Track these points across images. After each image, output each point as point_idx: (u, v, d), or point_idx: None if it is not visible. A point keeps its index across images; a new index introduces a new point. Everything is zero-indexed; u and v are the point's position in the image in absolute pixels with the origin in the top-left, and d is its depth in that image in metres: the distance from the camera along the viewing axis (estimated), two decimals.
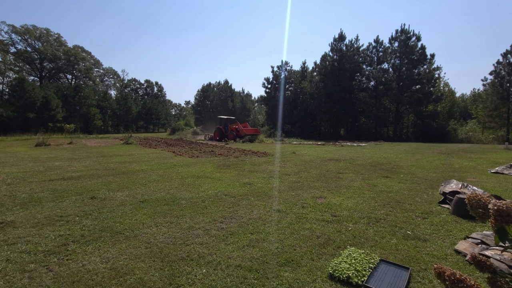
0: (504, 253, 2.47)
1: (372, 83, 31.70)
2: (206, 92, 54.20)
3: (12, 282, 2.16)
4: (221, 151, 12.82)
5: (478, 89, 38.70)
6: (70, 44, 58.34)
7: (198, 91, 55.89)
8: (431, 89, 27.67)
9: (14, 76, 46.35)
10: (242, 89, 66.49)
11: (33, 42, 51.87)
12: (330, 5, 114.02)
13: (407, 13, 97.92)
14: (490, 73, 24.43)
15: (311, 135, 33.69)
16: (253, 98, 57.16)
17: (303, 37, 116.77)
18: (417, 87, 27.78)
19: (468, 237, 3.01)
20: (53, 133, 24.64)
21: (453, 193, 4.43)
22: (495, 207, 1.00)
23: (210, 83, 55.34)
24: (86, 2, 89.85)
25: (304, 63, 41.31)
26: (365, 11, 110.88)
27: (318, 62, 34.25)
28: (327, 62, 31.71)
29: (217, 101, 51.93)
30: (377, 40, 31.12)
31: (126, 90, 73.94)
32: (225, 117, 25.72)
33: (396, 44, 29.06)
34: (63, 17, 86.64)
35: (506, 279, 1.10)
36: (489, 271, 1.14)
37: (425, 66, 27.59)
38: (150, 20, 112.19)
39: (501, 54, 23.49)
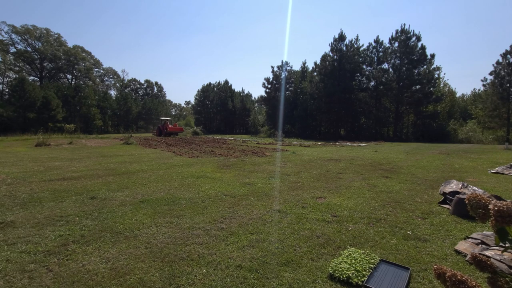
0: (504, 253, 2.47)
1: (372, 83, 31.69)
2: (206, 92, 54.15)
3: (12, 282, 2.16)
4: (221, 151, 12.82)
5: (479, 89, 38.69)
6: (70, 44, 58.42)
7: (198, 91, 55.84)
8: (431, 89, 27.67)
9: (14, 76, 46.37)
10: (242, 89, 66.39)
11: (33, 42, 51.88)
12: (331, 6, 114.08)
13: (407, 14, 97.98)
14: (490, 73, 24.44)
15: (311, 135, 33.70)
16: (253, 98, 57.06)
17: (303, 38, 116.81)
18: (417, 87, 27.76)
19: (468, 237, 3.01)
20: (53, 133, 24.63)
21: (453, 193, 4.43)
22: (496, 208, 1.00)
23: (210, 83, 55.29)
24: (87, 4, 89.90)
25: (304, 63, 41.38)
26: (365, 12, 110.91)
27: (318, 62, 34.26)
28: (327, 62, 31.71)
29: (217, 101, 51.89)
30: (377, 40, 31.12)
31: (126, 90, 73.96)
32: (164, 118, 31.74)
33: (396, 44, 29.05)
34: (64, 18, 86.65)
35: (506, 279, 1.10)
36: (489, 271, 1.14)
37: (425, 66, 27.58)
38: (151, 21, 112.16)
39: (501, 55, 23.50)
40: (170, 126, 29.46)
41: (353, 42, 31.30)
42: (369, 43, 32.28)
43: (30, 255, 2.61)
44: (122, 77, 76.12)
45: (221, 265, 2.44)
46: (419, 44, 27.65)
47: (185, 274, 2.30)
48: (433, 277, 2.26)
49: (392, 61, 29.71)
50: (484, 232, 3.08)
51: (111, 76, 72.75)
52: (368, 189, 5.31)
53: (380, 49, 30.99)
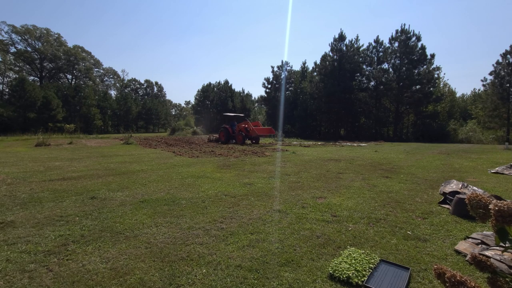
0: (504, 253, 2.47)
1: (372, 83, 31.67)
2: (206, 92, 54.13)
3: (12, 282, 2.16)
4: (221, 151, 12.82)
5: (479, 89, 38.66)
6: (70, 44, 58.42)
7: (198, 91, 55.80)
8: (431, 89, 27.67)
9: (14, 76, 46.39)
10: (242, 89, 66.27)
11: (33, 42, 51.87)
12: (331, 6, 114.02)
13: (407, 15, 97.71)
14: (490, 74, 24.42)
15: (311, 135, 33.68)
16: (253, 98, 57.01)
17: (303, 38, 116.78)
18: (417, 87, 27.75)
19: (468, 237, 3.01)
20: (53, 133, 24.60)
21: (453, 193, 4.43)
22: (496, 208, 1.00)
23: (210, 83, 55.25)
24: (87, 4, 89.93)
25: (304, 63, 41.35)
26: (365, 12, 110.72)
27: (318, 62, 34.24)
28: (327, 62, 31.69)
29: (217, 101, 51.86)
30: (377, 40, 31.10)
31: (126, 90, 74.01)
32: (232, 114, 20.45)
33: (396, 44, 29.03)
34: (64, 18, 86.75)
35: (506, 279, 1.10)
36: (489, 271, 1.14)
37: (425, 66, 27.57)
38: (151, 21, 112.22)
39: (501, 55, 23.48)
40: (252, 127, 17.60)
41: (353, 42, 31.28)
42: (369, 43, 32.25)
43: (30, 255, 2.61)
44: (122, 77, 76.19)
45: (221, 265, 2.44)
46: (419, 44, 27.64)
47: (185, 274, 2.30)
48: (433, 277, 2.26)
49: (392, 61, 29.70)
50: (484, 232, 3.08)
51: (111, 76, 72.79)
52: (368, 189, 5.31)
53: (380, 49, 30.97)
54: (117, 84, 75.07)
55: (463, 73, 78.24)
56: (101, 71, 69.17)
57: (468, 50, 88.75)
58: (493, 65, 24.05)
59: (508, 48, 23.08)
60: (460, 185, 5.01)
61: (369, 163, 8.92)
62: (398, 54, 28.78)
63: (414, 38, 27.88)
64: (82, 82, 59.40)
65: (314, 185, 5.68)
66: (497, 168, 7.63)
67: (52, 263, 2.46)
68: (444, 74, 60.21)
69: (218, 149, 13.98)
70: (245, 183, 5.74)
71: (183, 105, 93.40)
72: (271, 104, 38.90)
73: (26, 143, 16.48)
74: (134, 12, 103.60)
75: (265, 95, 40.61)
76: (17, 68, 50.37)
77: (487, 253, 2.52)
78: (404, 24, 28.63)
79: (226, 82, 53.09)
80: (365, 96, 31.91)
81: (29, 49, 51.49)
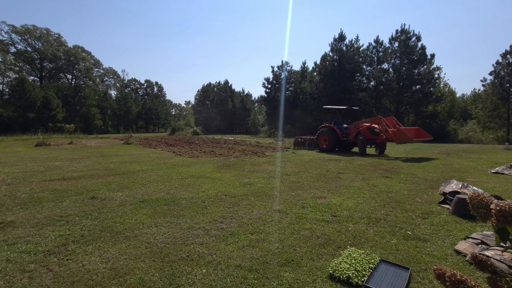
0: (504, 253, 2.47)
1: (372, 83, 31.65)
2: (206, 92, 54.16)
3: (12, 282, 2.16)
4: (221, 151, 12.81)
5: (479, 89, 38.62)
6: (70, 44, 58.43)
7: (198, 91, 55.85)
8: (431, 89, 27.67)
9: (14, 76, 46.40)
10: (242, 89, 66.32)
11: (33, 42, 51.90)
12: (331, 6, 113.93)
13: (407, 15, 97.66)
14: (490, 74, 24.39)
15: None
16: (253, 98, 57.03)
17: (303, 38, 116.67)
18: (417, 87, 27.74)
19: (468, 237, 3.01)
20: (53, 133, 24.58)
21: (453, 193, 4.43)
22: (498, 208, 1.00)
23: (210, 83, 55.30)
24: (87, 4, 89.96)
25: (304, 63, 41.30)
26: (366, 13, 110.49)
27: (318, 62, 34.24)
28: (327, 62, 31.70)
29: (217, 101, 51.89)
30: (377, 40, 31.08)
31: (126, 90, 74.00)
32: (342, 107, 14.22)
33: (396, 44, 29.01)
34: (64, 18, 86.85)
35: (506, 279, 1.10)
36: (489, 271, 1.14)
37: (425, 66, 27.56)
38: (151, 22, 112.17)
39: (501, 55, 23.45)
40: (384, 126, 11.38)
41: (353, 42, 31.30)
42: (369, 43, 32.19)
43: (30, 255, 2.61)
44: (122, 77, 76.20)
45: (221, 265, 2.44)
46: (419, 44, 27.62)
47: (185, 274, 2.30)
48: (433, 277, 2.25)
49: (392, 61, 29.67)
50: (484, 232, 3.07)
51: (111, 76, 72.79)
52: (368, 189, 5.31)
53: (380, 49, 30.94)
54: (117, 84, 75.10)
55: (463, 73, 78.15)
56: (101, 71, 69.21)
57: (468, 50, 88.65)
58: (493, 65, 24.04)
59: (508, 48, 23.07)
60: (460, 185, 5.01)
61: (369, 163, 8.92)
62: (398, 54, 28.76)
63: (414, 38, 27.86)
64: (82, 82, 59.41)
65: (314, 185, 5.68)
66: (497, 168, 7.63)
67: (52, 263, 2.46)
68: (445, 74, 60.12)
69: (218, 149, 13.98)
70: (245, 183, 5.74)
71: (183, 105, 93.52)
72: (271, 104, 38.90)
73: (26, 143, 16.48)
74: (134, 12, 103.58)
75: (265, 95, 40.60)
76: (17, 68, 50.41)
77: (487, 253, 2.52)
78: (404, 24, 28.62)
79: (226, 82, 53.12)
80: (365, 96, 31.89)
81: (29, 49, 51.55)
